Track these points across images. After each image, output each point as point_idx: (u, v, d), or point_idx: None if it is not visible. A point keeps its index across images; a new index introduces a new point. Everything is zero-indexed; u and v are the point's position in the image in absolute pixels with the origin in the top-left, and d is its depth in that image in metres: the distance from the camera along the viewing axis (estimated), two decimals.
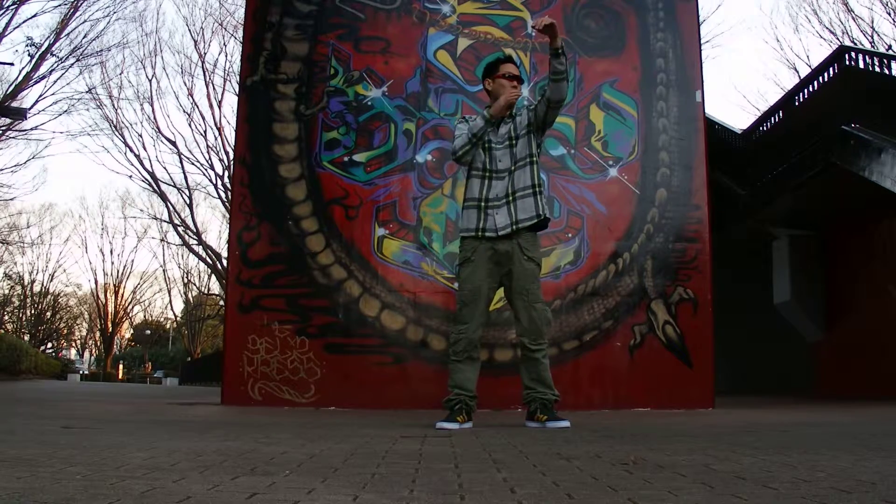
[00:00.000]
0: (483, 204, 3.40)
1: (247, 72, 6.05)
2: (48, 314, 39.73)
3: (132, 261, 55.26)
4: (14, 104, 15.02)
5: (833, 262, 10.52)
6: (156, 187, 21.79)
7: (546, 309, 3.50)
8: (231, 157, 13.41)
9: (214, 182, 20.60)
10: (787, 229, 10.70)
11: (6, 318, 37.36)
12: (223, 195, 20.05)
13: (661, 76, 6.09)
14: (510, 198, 3.40)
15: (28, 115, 15.05)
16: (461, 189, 5.76)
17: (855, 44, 16.37)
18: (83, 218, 60.84)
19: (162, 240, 31.32)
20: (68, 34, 16.59)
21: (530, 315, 3.37)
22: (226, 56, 29.94)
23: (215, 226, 69.53)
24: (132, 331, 48.20)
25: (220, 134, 19.56)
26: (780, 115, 10.71)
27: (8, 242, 29.57)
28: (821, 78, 9.55)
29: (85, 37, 16.99)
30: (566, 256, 5.73)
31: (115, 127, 20.49)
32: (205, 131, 20.39)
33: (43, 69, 16.38)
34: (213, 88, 20.92)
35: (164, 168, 36.84)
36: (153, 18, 51.78)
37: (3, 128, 16.93)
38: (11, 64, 14.88)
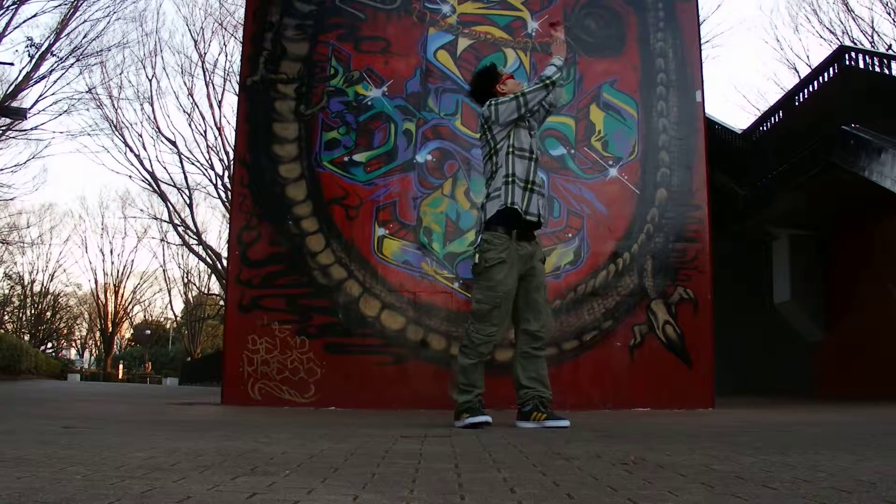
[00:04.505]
0: (530, 186, 3.39)
1: (247, 72, 6.05)
2: (48, 314, 39.73)
3: (132, 261, 55.21)
4: (14, 104, 15.01)
5: (833, 262, 10.52)
6: (156, 187, 21.80)
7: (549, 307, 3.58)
8: (231, 157, 13.41)
9: (214, 182, 20.61)
10: (787, 229, 10.70)
11: (6, 318, 37.37)
12: (223, 195, 20.05)
13: (661, 76, 6.09)
14: (544, 189, 3.55)
15: (28, 115, 15.05)
16: (461, 189, 5.80)
17: (855, 44, 16.36)
18: (83, 218, 60.87)
19: (162, 240, 31.34)
20: (68, 34, 16.59)
21: (548, 310, 3.50)
22: (226, 56, 29.93)
23: (215, 226, 69.58)
24: (132, 331, 48.20)
25: (220, 134, 19.57)
26: (780, 115, 10.70)
27: (8, 242, 29.60)
28: (821, 78, 9.55)
29: (85, 37, 17.00)
30: (566, 256, 5.73)
31: (115, 127, 20.49)
32: (205, 131, 20.40)
33: (43, 69, 16.39)
34: (213, 88, 20.87)
35: (164, 168, 36.87)
36: (153, 18, 51.67)
37: (3, 128, 16.92)
38: (11, 64, 14.89)
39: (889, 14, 17.21)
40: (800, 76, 17.63)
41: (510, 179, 3.35)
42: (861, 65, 8.77)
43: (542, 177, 3.65)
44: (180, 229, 23.31)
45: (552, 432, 3.03)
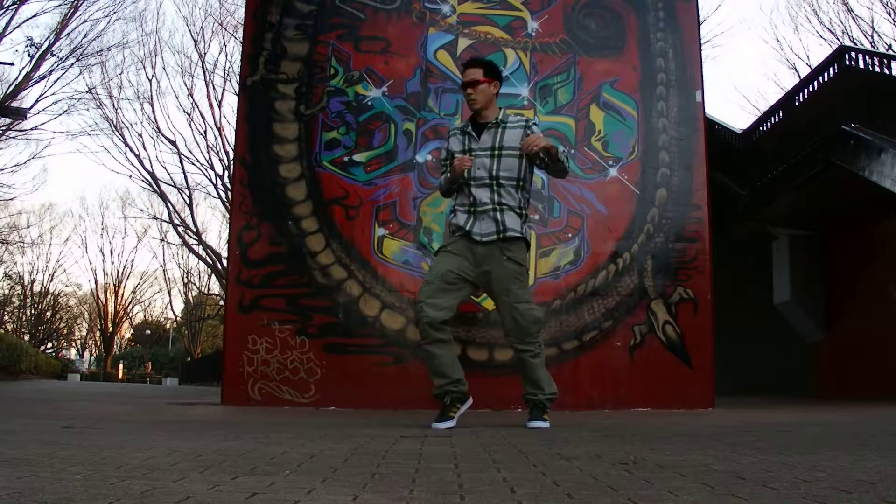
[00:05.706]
0: (472, 209, 3.41)
1: (247, 72, 6.05)
2: (48, 314, 39.76)
3: (132, 261, 55.18)
4: (14, 104, 15.01)
5: (833, 262, 10.52)
6: (156, 187, 21.80)
7: (532, 308, 3.38)
8: (231, 157, 13.41)
9: (214, 182, 20.61)
10: (787, 229, 10.70)
11: (6, 318, 37.40)
12: (223, 195, 20.05)
13: (661, 76, 6.09)
14: (496, 207, 3.35)
15: (28, 115, 15.05)
16: None
17: (855, 44, 16.36)
18: (83, 218, 60.91)
19: (162, 240, 31.37)
20: (68, 34, 16.60)
21: (513, 315, 3.33)
22: (226, 56, 29.92)
23: (215, 226, 69.57)
24: (132, 331, 48.22)
25: (220, 134, 19.57)
26: (780, 115, 10.70)
27: (8, 242, 29.61)
28: (821, 78, 9.54)
29: (85, 37, 17.00)
30: (566, 256, 5.73)
31: (115, 127, 20.49)
32: (205, 131, 20.39)
33: (43, 69, 16.39)
34: (213, 88, 20.87)
35: (164, 168, 36.76)
36: (153, 18, 51.75)
37: (3, 128, 16.92)
38: (11, 64, 14.89)
39: (889, 14, 17.23)
40: (800, 76, 17.64)
41: (453, 208, 3.57)
42: (861, 65, 8.77)
43: (495, 195, 3.36)
44: (180, 229, 23.34)
45: (553, 432, 3.04)
